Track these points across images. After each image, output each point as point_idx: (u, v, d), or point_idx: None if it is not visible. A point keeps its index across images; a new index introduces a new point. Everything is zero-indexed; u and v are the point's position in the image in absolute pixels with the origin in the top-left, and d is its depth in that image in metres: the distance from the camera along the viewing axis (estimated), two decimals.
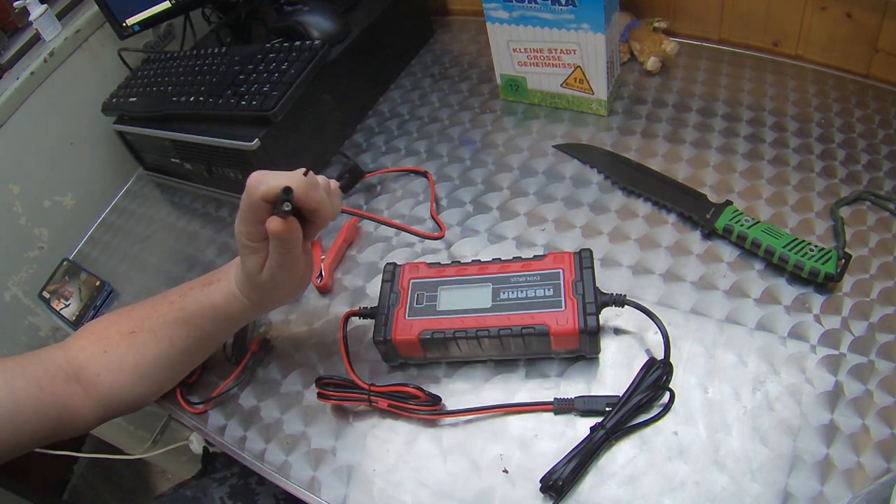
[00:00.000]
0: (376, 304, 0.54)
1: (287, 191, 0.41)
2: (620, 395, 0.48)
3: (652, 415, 0.47)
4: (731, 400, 0.48)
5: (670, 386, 0.48)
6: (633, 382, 0.48)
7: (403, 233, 0.67)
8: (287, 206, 0.41)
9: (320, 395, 0.53)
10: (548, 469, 0.45)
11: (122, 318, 0.53)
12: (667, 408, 0.48)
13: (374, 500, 0.49)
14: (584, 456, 0.45)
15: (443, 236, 0.65)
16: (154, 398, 0.56)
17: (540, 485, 0.45)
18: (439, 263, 0.55)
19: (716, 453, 0.45)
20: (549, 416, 0.50)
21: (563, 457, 0.45)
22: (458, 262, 0.55)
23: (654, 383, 0.48)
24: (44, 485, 1.26)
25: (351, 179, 0.48)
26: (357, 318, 0.56)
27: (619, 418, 0.47)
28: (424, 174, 0.72)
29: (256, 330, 0.61)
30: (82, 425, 0.52)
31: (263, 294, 0.49)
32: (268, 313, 0.64)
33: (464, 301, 0.51)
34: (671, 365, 0.49)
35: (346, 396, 0.52)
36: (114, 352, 0.51)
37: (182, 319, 0.51)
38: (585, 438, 0.46)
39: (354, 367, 0.53)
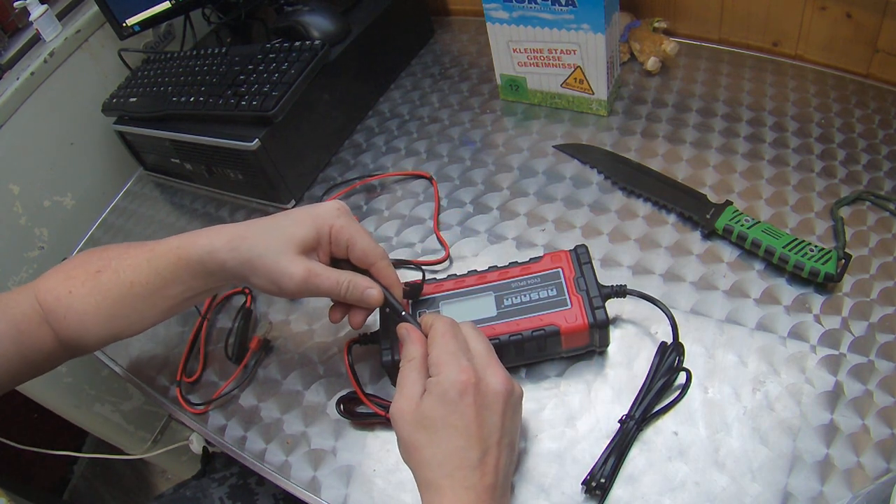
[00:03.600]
0: (377, 329, 0.53)
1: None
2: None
3: (672, 398, 0.48)
4: (731, 400, 0.48)
5: (685, 366, 0.49)
6: (650, 369, 0.49)
7: (404, 231, 0.67)
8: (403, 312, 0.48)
9: (346, 416, 0.53)
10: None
11: (94, 256, 0.51)
12: (685, 388, 0.48)
13: (375, 500, 0.49)
14: (620, 450, 0.46)
15: (445, 259, 0.63)
16: (117, 340, 0.54)
17: (583, 487, 0.45)
18: (435, 278, 0.55)
19: (716, 453, 0.45)
20: (549, 416, 0.50)
21: (599, 456, 0.46)
22: (455, 274, 0.55)
23: (670, 366, 0.48)
24: (44, 485, 1.26)
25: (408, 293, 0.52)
26: (359, 344, 0.54)
27: (646, 407, 0.47)
28: (429, 179, 0.72)
29: (256, 330, 0.61)
30: (47, 368, 0.52)
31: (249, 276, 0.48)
32: (266, 313, 0.64)
33: (468, 313, 0.51)
34: (682, 346, 0.50)
35: (371, 423, 0.53)
36: (78, 293, 0.49)
37: (146, 262, 0.49)
38: (617, 432, 0.47)
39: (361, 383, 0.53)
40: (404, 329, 0.45)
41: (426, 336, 0.44)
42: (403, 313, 0.47)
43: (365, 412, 0.53)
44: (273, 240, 0.46)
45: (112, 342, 0.53)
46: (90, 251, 0.53)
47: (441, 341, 0.42)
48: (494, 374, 0.41)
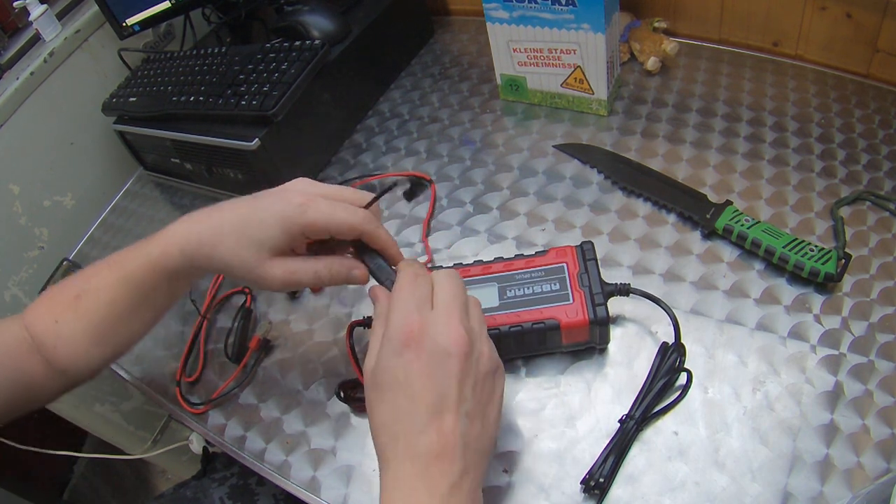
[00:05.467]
0: None
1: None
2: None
3: (672, 398, 0.48)
4: (731, 400, 0.48)
5: (686, 366, 0.49)
6: (651, 369, 0.49)
7: (404, 231, 0.67)
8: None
9: (345, 401, 0.53)
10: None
11: (69, 282, 0.50)
12: (685, 389, 0.48)
13: (375, 500, 0.49)
14: (619, 450, 0.46)
15: (427, 263, 0.63)
16: (112, 362, 0.53)
17: (581, 486, 0.45)
18: (441, 266, 0.55)
19: (716, 453, 0.45)
20: (549, 417, 0.50)
21: (598, 455, 0.46)
22: (461, 263, 0.55)
23: (671, 367, 0.48)
24: (44, 485, 1.26)
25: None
26: (362, 327, 0.55)
27: (646, 407, 0.47)
28: (429, 182, 0.71)
29: (256, 329, 0.61)
30: (45, 398, 0.51)
31: (212, 262, 0.46)
32: (266, 313, 0.64)
33: None
34: (684, 346, 0.49)
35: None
36: (64, 320, 0.49)
37: (122, 279, 0.48)
38: (617, 432, 0.46)
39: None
40: (375, 290, 0.44)
41: None
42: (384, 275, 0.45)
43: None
44: (244, 251, 0.44)
45: (110, 362, 0.52)
46: (69, 277, 0.52)
47: (397, 294, 0.39)
48: (445, 329, 0.37)
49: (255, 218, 0.45)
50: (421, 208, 0.69)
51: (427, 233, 0.67)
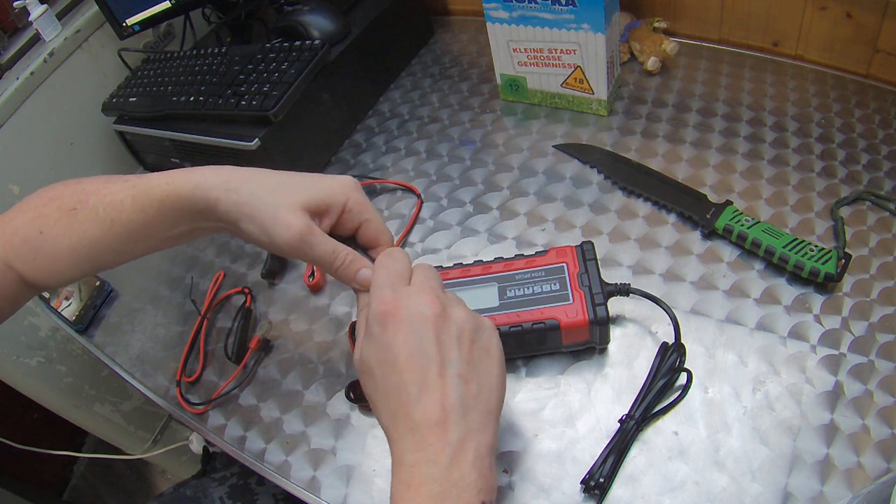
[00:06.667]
0: None
1: None
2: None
3: (672, 398, 0.48)
4: (731, 400, 0.48)
5: (686, 366, 0.49)
6: (651, 369, 0.49)
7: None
8: None
9: (355, 401, 0.54)
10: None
11: (68, 191, 0.46)
12: (685, 389, 0.48)
13: (374, 500, 0.49)
14: (619, 450, 0.46)
15: None
16: (87, 277, 0.50)
17: (581, 486, 0.45)
18: (441, 266, 0.55)
19: (716, 453, 0.45)
20: (549, 417, 0.50)
21: (599, 455, 0.46)
22: (461, 263, 0.55)
23: (671, 367, 0.48)
24: (44, 485, 1.26)
25: None
26: None
27: (646, 406, 0.47)
28: (418, 196, 0.71)
29: (256, 329, 0.61)
30: (11, 311, 0.47)
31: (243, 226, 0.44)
32: (266, 313, 0.64)
33: (471, 302, 0.51)
34: (684, 346, 0.49)
35: None
36: (50, 232, 0.44)
37: (130, 199, 0.44)
38: (617, 432, 0.46)
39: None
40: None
41: None
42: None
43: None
44: (279, 193, 0.43)
45: (79, 280, 0.49)
46: (63, 184, 0.46)
47: (374, 275, 0.41)
48: (417, 298, 0.38)
49: (303, 176, 0.45)
50: (422, 208, 0.69)
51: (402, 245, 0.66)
